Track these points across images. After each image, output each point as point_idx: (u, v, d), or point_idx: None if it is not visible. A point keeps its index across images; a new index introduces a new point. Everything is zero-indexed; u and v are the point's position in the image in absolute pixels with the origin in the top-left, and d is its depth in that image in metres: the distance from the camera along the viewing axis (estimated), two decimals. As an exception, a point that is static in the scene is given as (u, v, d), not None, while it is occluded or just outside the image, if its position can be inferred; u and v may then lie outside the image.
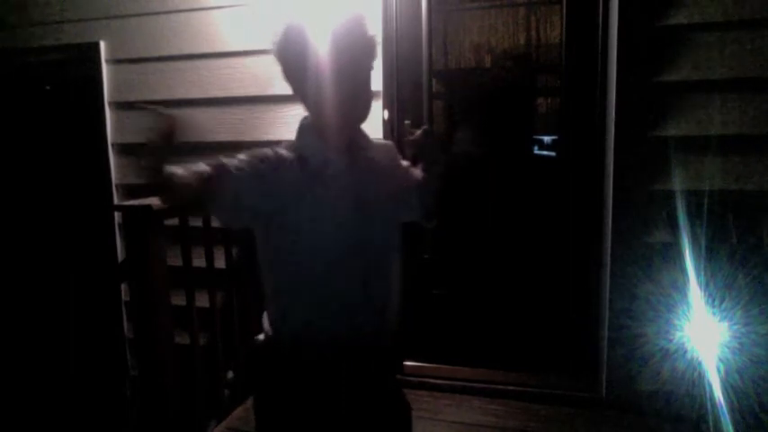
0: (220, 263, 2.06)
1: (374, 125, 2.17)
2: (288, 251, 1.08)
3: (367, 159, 1.14)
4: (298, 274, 1.08)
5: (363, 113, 1.10)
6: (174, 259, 1.83)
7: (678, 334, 1.69)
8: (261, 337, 1.17)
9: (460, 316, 2.38)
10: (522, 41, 2.30)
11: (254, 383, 1.21)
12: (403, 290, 1.17)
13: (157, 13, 2.39)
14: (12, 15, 2.59)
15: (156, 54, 2.43)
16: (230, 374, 2.12)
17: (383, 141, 1.31)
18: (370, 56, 1.08)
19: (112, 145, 2.55)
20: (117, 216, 2.55)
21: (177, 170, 0.97)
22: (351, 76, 1.04)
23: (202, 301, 1.98)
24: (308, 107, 1.08)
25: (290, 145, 1.11)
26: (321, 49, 1.01)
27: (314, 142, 1.10)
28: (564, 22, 2.13)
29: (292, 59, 1.04)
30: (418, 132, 1.18)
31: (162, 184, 0.97)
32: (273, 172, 1.05)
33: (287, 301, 1.12)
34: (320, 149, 1.09)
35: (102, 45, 2.48)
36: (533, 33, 2.28)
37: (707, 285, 1.58)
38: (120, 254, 2.55)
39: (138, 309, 1.71)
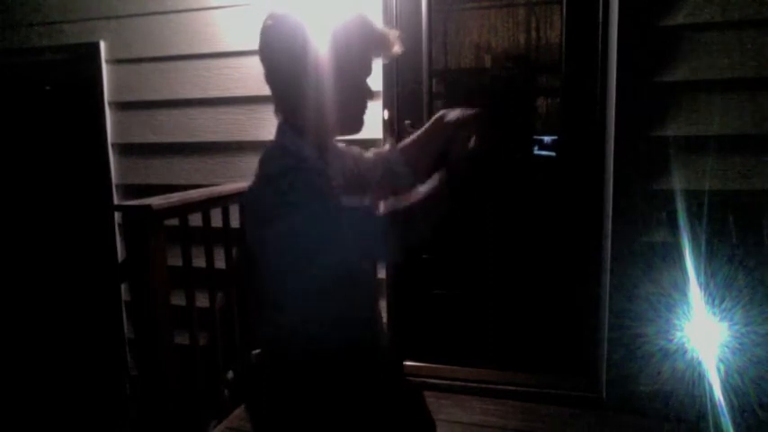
0: (220, 263, 2.06)
1: (374, 125, 2.17)
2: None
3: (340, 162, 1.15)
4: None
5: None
6: (174, 259, 1.83)
7: (678, 334, 1.69)
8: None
9: (460, 316, 2.37)
10: (522, 41, 2.30)
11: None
12: (401, 290, 1.17)
13: (157, 13, 2.39)
14: (12, 15, 2.59)
15: (156, 54, 2.43)
16: (230, 374, 2.12)
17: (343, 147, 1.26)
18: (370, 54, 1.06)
19: (112, 145, 2.55)
20: (117, 216, 2.55)
21: None
22: (351, 74, 1.03)
23: (202, 301, 1.98)
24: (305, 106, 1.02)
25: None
26: (321, 45, 0.98)
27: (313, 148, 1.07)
28: (564, 22, 2.13)
29: (289, 52, 0.99)
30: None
31: None
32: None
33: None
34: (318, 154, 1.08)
35: (102, 45, 2.48)
36: (533, 33, 2.28)
37: (707, 285, 1.58)
38: (120, 254, 2.55)
39: (138, 309, 1.71)
